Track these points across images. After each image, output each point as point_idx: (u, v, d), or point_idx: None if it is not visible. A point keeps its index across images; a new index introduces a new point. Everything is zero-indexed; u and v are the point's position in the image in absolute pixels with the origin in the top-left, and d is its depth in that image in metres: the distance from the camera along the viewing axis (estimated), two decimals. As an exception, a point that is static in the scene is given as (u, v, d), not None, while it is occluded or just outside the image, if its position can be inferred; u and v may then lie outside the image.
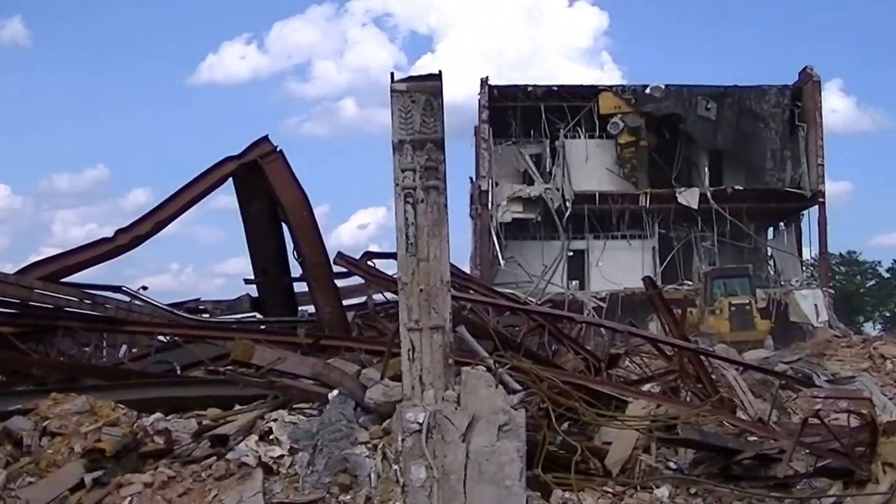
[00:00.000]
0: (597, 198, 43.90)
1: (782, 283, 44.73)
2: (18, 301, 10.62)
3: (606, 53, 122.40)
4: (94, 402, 7.36)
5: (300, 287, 12.01)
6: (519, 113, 45.37)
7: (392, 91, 6.40)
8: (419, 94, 6.35)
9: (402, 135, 6.36)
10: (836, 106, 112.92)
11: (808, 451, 9.46)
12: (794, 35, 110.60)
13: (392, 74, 6.44)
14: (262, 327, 11.67)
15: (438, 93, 6.40)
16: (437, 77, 6.46)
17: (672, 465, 9.18)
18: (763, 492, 8.79)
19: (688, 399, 10.92)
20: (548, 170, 45.19)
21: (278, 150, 10.99)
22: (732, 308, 33.20)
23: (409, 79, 6.47)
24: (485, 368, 6.95)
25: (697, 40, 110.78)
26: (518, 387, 7.46)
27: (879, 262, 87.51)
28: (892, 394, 20.09)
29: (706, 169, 45.84)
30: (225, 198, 12.33)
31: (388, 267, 11.85)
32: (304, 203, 10.98)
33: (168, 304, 12.54)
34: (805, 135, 44.66)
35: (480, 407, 6.10)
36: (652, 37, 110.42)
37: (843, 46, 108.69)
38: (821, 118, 44.13)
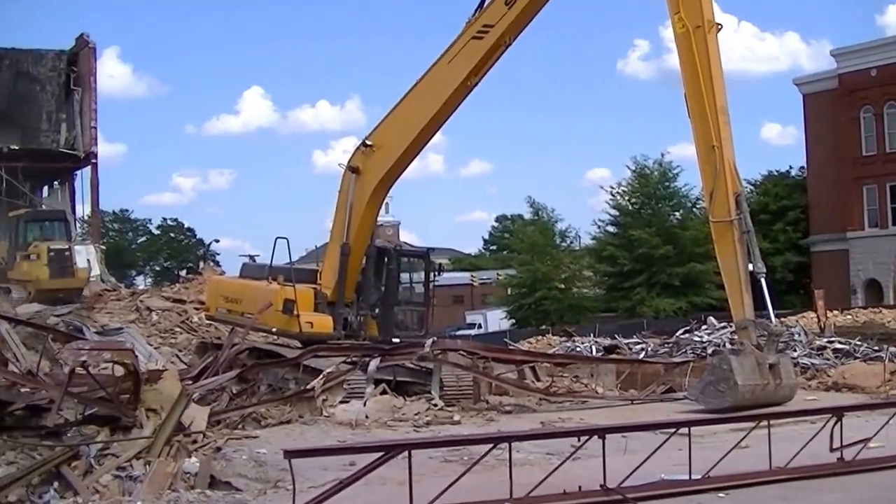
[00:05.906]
0: None
1: (58, 238, 46.33)
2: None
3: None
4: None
5: None
6: None
7: None
8: None
9: None
10: (113, 72, 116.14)
11: (76, 400, 10.34)
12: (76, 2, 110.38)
13: None
14: None
15: None
16: None
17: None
18: (35, 441, 9.54)
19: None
20: None
21: None
22: (52, 253, 30.15)
23: None
24: None
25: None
26: None
27: (150, 220, 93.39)
28: (158, 344, 21.89)
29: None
30: None
31: None
32: None
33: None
34: (80, 98, 46.41)
35: None
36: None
37: (122, 13, 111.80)
38: (95, 83, 46.00)
